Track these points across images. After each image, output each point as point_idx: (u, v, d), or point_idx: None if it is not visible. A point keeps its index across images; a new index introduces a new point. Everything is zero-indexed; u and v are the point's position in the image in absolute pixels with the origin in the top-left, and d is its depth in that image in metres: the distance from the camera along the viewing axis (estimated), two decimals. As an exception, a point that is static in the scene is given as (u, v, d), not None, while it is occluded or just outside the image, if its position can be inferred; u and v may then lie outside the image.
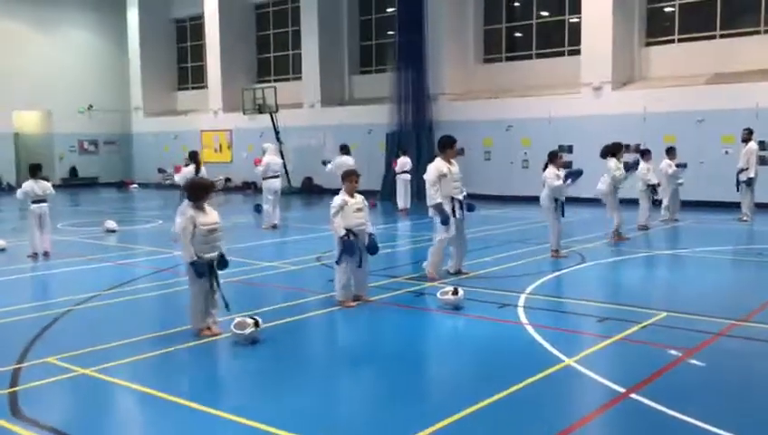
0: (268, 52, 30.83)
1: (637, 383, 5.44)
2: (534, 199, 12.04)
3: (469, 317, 7.68)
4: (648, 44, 21.14)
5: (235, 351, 6.54)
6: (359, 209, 8.07)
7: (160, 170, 32.01)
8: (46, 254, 11.96)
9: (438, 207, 9.25)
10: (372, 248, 8.12)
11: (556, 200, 11.11)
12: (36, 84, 30.90)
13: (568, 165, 18.85)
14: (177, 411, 5.10)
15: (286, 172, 23.39)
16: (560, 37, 22.79)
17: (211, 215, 6.93)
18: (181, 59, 34.36)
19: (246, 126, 28.25)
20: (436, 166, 9.37)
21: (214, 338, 6.81)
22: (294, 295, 8.77)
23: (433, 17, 23.28)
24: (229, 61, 30.08)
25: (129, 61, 33.62)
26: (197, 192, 6.91)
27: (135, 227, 17.18)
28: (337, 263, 8.00)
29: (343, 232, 7.88)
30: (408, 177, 19.22)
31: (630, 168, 10.86)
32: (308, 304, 8.32)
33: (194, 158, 14.36)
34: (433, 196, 9.22)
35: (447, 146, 9.61)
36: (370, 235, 8.13)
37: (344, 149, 17.87)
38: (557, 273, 10.16)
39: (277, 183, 15.85)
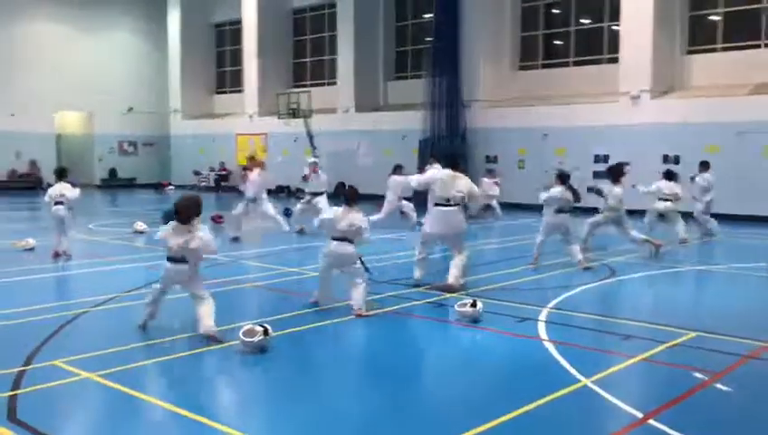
0: (304, 57, 30.93)
1: (656, 408, 5.16)
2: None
3: (486, 331, 7.45)
4: (690, 53, 20.60)
5: (243, 360, 6.39)
6: None
7: (196, 172, 32.45)
8: (66, 254, 12.03)
9: None
10: None
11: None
12: (78, 86, 31.42)
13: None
14: (175, 422, 4.99)
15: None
16: (598, 44, 22.38)
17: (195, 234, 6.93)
18: (220, 63, 34.69)
19: (281, 130, 28.32)
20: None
21: (222, 345, 6.68)
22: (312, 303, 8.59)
23: (469, 23, 23.08)
24: (266, 65, 30.22)
25: (168, 64, 34.07)
26: (189, 210, 6.88)
27: (165, 229, 17.23)
28: (370, 276, 8.14)
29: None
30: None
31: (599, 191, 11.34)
32: (324, 312, 8.15)
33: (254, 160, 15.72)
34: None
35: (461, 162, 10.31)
36: None
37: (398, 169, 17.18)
38: (583, 286, 9.84)
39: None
